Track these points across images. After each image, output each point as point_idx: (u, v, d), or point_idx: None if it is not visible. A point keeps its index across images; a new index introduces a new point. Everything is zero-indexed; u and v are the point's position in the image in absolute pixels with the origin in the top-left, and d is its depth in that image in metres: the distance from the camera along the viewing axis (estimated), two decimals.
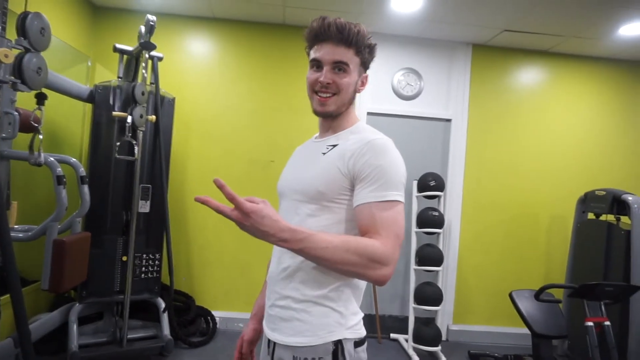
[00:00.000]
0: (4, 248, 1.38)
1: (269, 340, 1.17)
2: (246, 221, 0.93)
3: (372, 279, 1.05)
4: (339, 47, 1.16)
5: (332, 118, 1.23)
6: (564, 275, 3.92)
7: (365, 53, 1.20)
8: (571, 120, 4.23)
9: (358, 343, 1.13)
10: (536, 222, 4.18)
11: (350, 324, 1.12)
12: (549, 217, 4.18)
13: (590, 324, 2.64)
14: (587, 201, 3.70)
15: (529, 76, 4.24)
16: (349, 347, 1.10)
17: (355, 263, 1.01)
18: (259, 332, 1.34)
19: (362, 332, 1.15)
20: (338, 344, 1.09)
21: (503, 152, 4.18)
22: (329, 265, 1.03)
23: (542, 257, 4.19)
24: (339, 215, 1.13)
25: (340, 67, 1.17)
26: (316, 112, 1.22)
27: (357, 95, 1.27)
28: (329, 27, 1.15)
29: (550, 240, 4.19)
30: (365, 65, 1.23)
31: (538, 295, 2.80)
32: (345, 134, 1.21)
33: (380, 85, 4.12)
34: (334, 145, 1.19)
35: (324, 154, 1.19)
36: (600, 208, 3.53)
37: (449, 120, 4.18)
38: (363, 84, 1.25)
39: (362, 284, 1.19)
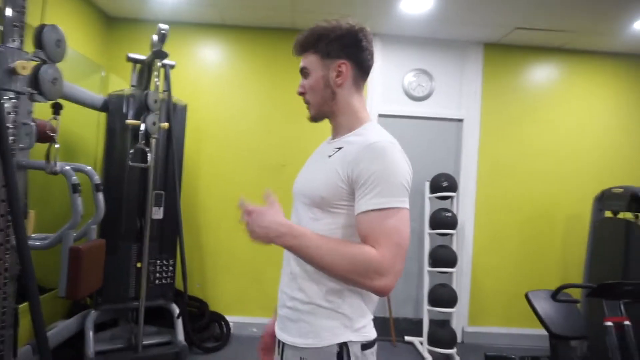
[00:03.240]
0: (22, 256, 1.41)
1: (278, 341, 1.19)
2: (249, 218, 1.03)
3: (368, 289, 1.04)
4: (300, 56, 1.22)
5: (331, 119, 1.23)
6: (581, 275, 3.85)
7: (321, 45, 1.17)
8: (586, 118, 4.17)
9: (366, 346, 1.12)
10: (552, 221, 4.12)
11: (356, 326, 1.11)
12: (565, 216, 4.12)
13: (609, 324, 2.58)
14: (604, 199, 3.64)
15: (542, 74, 4.20)
16: (355, 350, 1.09)
17: (348, 270, 1.02)
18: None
19: (370, 335, 1.14)
20: (343, 346, 1.08)
21: (517, 152, 4.13)
22: (322, 268, 1.04)
23: (558, 257, 4.13)
24: (340, 221, 1.11)
25: (302, 73, 1.22)
26: (310, 121, 1.26)
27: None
28: (294, 48, 1.23)
29: (566, 240, 4.12)
30: (332, 56, 1.16)
31: (555, 295, 2.76)
32: (351, 136, 1.17)
33: (391, 87, 4.11)
34: (339, 148, 1.16)
35: (329, 156, 1.17)
36: (618, 205, 3.48)
37: (461, 121, 4.15)
38: (339, 73, 1.17)
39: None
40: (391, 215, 1.02)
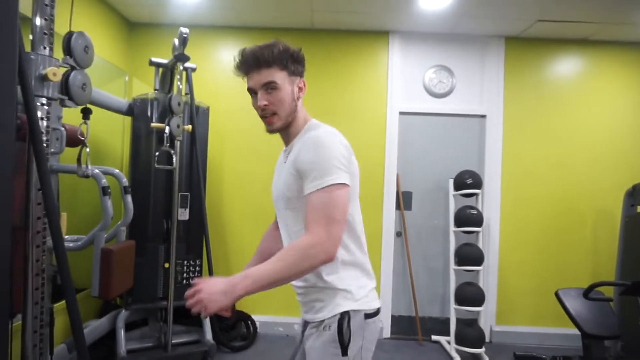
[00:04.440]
0: (59, 257, 1.45)
1: (304, 321, 1.37)
2: (202, 294, 1.09)
3: (319, 265, 1.15)
4: (262, 71, 1.27)
5: (285, 130, 1.35)
6: (613, 272, 3.75)
7: (289, 64, 1.30)
8: (614, 110, 4.06)
9: (369, 315, 1.28)
10: (580, 217, 4.02)
11: (357, 297, 1.27)
12: (595, 211, 4.02)
13: None
14: (636, 194, 3.54)
15: (566, 67, 4.10)
16: (357, 318, 1.25)
17: (298, 266, 1.13)
18: None
19: (372, 305, 1.29)
20: (345, 315, 1.24)
21: (542, 146, 4.05)
22: (286, 279, 1.14)
23: (588, 254, 4.02)
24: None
25: (270, 86, 1.28)
26: (268, 132, 1.35)
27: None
28: (247, 59, 1.29)
29: (596, 236, 4.02)
30: (296, 74, 1.32)
31: (587, 293, 2.70)
32: (297, 140, 1.33)
33: (412, 84, 4.08)
34: (290, 152, 1.32)
35: (284, 162, 1.34)
36: None
37: (483, 116, 4.09)
38: (301, 89, 1.35)
39: (359, 261, 1.32)
40: (323, 192, 1.16)
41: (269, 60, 1.27)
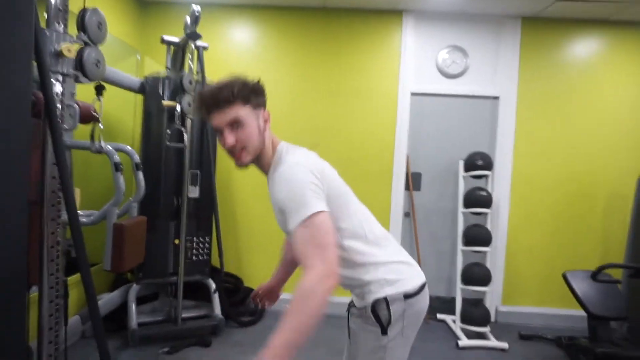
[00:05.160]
0: (74, 229, 1.49)
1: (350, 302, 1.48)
2: None
3: (326, 295, 1.12)
4: (224, 109, 1.26)
5: (256, 161, 1.36)
6: (622, 256, 3.73)
7: (251, 98, 1.29)
8: (632, 93, 3.98)
9: (410, 295, 1.33)
10: (592, 201, 3.99)
11: (392, 281, 1.33)
12: (606, 195, 3.98)
13: None
14: None
15: (585, 48, 4.01)
16: (397, 302, 1.31)
17: (306, 307, 1.10)
18: (274, 288, 1.79)
19: (409, 285, 1.35)
20: (384, 300, 1.30)
21: (555, 129, 4.00)
22: (309, 326, 1.10)
23: (598, 238, 4.01)
24: None
25: (235, 124, 1.27)
26: (238, 167, 1.35)
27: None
28: (205, 100, 1.28)
29: (607, 220, 3.99)
30: (259, 106, 1.32)
31: (596, 275, 2.70)
32: (271, 171, 1.35)
33: (425, 65, 4.03)
34: (270, 187, 1.35)
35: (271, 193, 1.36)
36: None
37: (496, 98, 4.04)
38: (266, 121, 1.35)
39: (389, 257, 1.37)
40: (304, 227, 1.17)
41: (230, 98, 1.26)
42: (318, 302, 1.11)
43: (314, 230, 1.17)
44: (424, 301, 1.39)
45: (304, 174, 1.24)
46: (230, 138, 1.28)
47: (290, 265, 1.77)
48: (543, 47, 4.00)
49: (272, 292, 1.79)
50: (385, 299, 1.30)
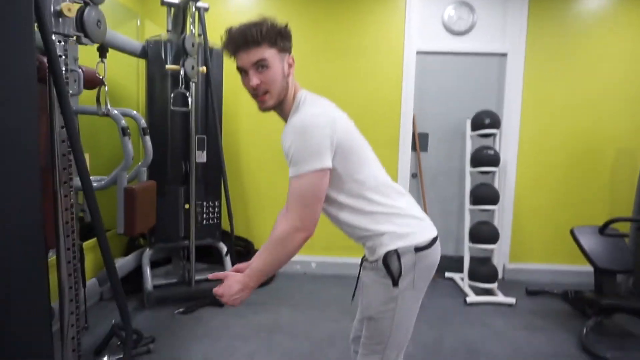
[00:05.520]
0: (87, 192, 1.51)
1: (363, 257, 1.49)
2: (225, 298, 1.29)
3: (296, 247, 1.27)
4: (251, 49, 1.27)
5: (278, 107, 1.37)
6: (630, 212, 3.74)
7: (278, 41, 1.29)
8: None
9: (421, 247, 1.35)
10: (600, 157, 3.96)
11: (403, 234, 1.34)
12: (615, 151, 3.95)
13: None
14: None
15: (595, 2, 3.87)
16: (407, 254, 1.33)
17: (283, 251, 1.27)
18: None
19: (421, 237, 1.37)
20: (394, 252, 1.33)
21: (564, 86, 3.93)
22: (279, 265, 1.30)
23: (605, 194, 4.00)
24: None
25: (261, 65, 1.28)
26: (261, 110, 1.37)
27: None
28: (234, 38, 1.29)
29: (615, 176, 3.98)
30: (285, 50, 1.32)
31: (603, 229, 2.72)
32: (289, 119, 1.34)
33: (430, 22, 3.93)
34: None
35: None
36: None
37: (504, 55, 3.96)
38: (290, 65, 1.35)
39: (402, 210, 1.39)
40: (299, 180, 1.24)
41: (258, 39, 1.25)
42: (287, 252, 1.27)
43: (305, 187, 1.24)
44: (435, 255, 1.40)
45: (316, 127, 1.25)
46: (254, 79, 1.28)
47: None
48: (552, 1, 3.87)
49: None
50: (397, 251, 1.32)
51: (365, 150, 1.41)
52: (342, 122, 1.34)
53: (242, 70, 1.31)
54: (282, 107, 1.37)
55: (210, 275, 1.41)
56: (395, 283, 1.33)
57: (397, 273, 1.33)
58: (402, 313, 1.37)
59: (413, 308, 1.41)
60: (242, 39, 1.27)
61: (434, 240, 1.40)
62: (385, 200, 1.37)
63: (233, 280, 1.31)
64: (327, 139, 1.25)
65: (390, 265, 1.33)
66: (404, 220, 1.38)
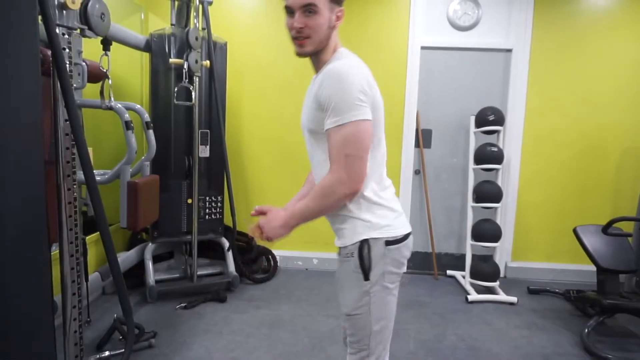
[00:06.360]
0: (90, 185, 1.50)
1: (339, 248, 1.43)
2: (264, 231, 1.33)
3: (341, 201, 1.27)
4: None
5: (315, 56, 1.33)
6: (634, 211, 3.73)
7: None
8: None
9: (391, 242, 1.33)
10: (604, 155, 3.94)
11: (378, 226, 1.32)
12: (620, 150, 3.93)
13: None
14: None
15: None
16: (378, 245, 1.31)
17: (326, 202, 1.26)
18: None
19: (394, 232, 1.34)
20: (364, 243, 1.31)
21: (569, 82, 3.90)
22: (320, 214, 1.29)
23: (609, 193, 3.98)
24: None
25: (309, 9, 1.25)
26: (297, 54, 1.33)
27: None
28: None
29: (619, 175, 3.96)
30: (336, 1, 1.29)
31: (606, 228, 2.70)
32: (325, 67, 1.29)
33: (435, 17, 3.90)
34: (315, 81, 1.32)
35: (312, 90, 1.33)
36: None
37: (509, 51, 3.93)
38: (339, 18, 1.32)
39: (384, 201, 1.36)
40: (342, 129, 1.20)
41: None
42: (328, 204, 1.26)
43: (351, 138, 1.20)
44: (405, 250, 1.38)
45: (359, 78, 1.22)
46: (300, 21, 1.26)
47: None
48: None
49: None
50: (367, 240, 1.31)
51: (383, 132, 1.39)
52: (377, 92, 1.32)
53: (289, 10, 1.28)
54: (319, 57, 1.34)
55: (252, 212, 1.45)
56: (366, 277, 1.31)
57: (367, 264, 1.31)
58: (378, 307, 1.34)
59: (388, 301, 1.38)
60: None
61: (406, 236, 1.38)
62: (376, 188, 1.35)
63: (274, 215, 1.32)
64: (368, 91, 1.23)
65: (362, 254, 1.31)
66: (383, 212, 1.35)
